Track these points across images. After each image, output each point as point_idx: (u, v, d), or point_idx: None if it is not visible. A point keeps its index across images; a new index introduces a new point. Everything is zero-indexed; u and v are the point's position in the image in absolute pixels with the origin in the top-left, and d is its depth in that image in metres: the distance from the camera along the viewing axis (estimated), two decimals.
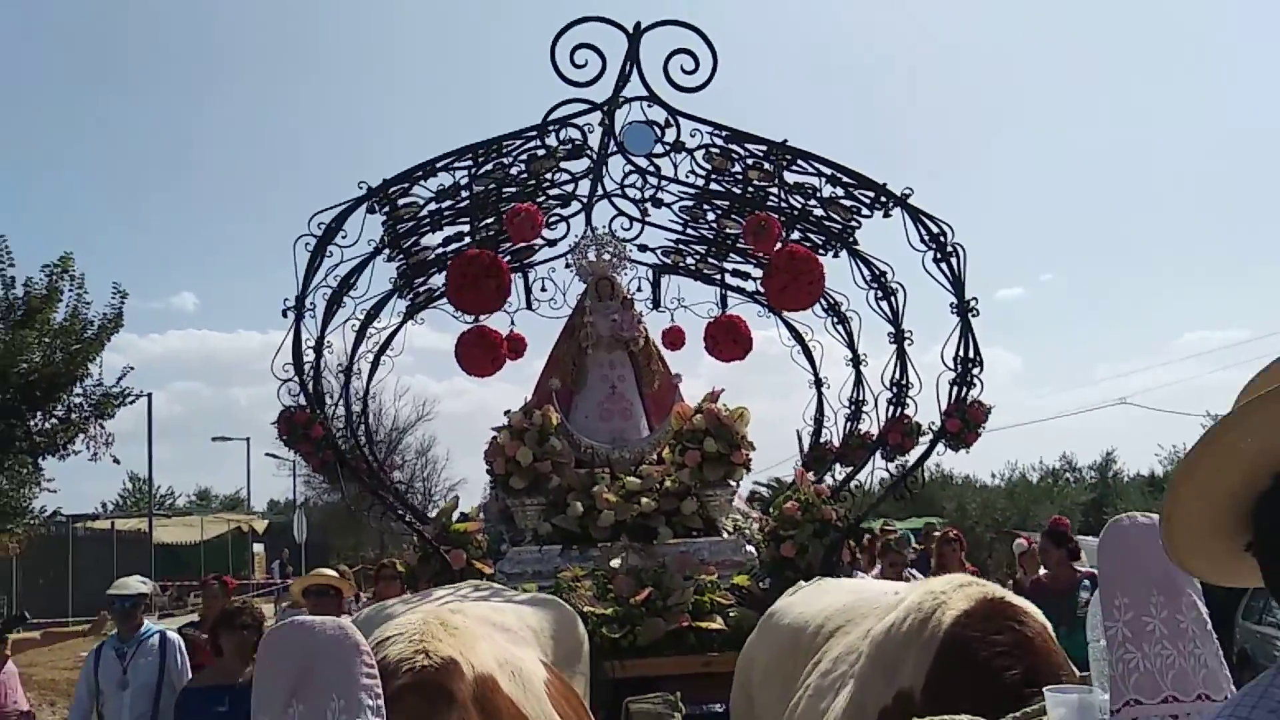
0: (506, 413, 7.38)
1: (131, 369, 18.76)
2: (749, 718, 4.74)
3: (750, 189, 7.41)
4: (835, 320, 8.51)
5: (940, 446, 6.75)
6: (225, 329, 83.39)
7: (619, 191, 8.09)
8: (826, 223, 7.41)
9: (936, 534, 11.36)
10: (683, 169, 7.32)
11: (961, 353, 6.67)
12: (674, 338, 9.17)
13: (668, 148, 7.08)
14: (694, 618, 6.32)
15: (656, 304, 9.18)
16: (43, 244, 77.79)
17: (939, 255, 6.65)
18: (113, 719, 6.63)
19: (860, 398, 8.54)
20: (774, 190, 7.21)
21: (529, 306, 8.93)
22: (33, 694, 8.47)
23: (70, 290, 17.52)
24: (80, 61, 79.25)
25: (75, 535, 26.98)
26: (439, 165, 6.68)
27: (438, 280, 8.07)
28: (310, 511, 31.92)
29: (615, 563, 6.66)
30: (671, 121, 6.87)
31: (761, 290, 8.34)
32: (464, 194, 7.01)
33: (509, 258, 8.52)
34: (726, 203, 7.83)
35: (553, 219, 8.38)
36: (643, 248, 8.85)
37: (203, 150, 78.27)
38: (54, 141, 77.69)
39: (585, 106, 6.83)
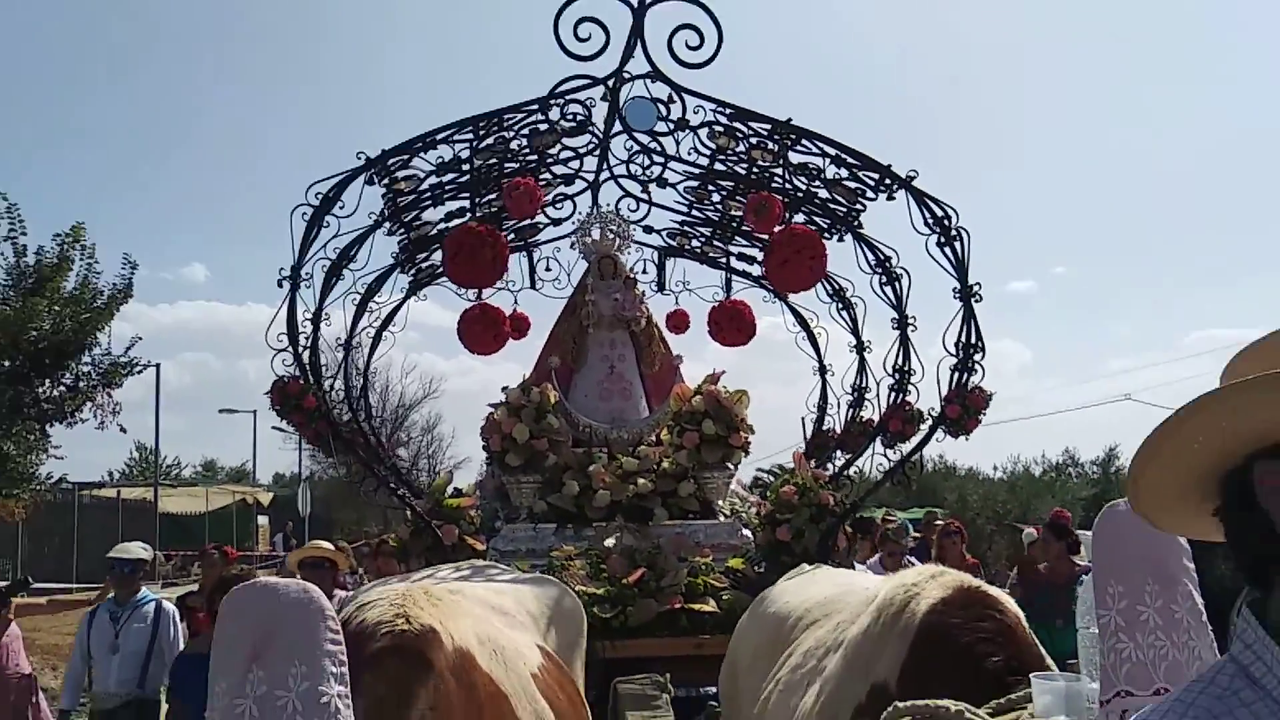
0: (504, 389, 7.32)
1: (140, 339, 18.96)
2: (735, 702, 4.68)
3: (755, 169, 7.31)
4: (839, 306, 8.42)
5: (940, 434, 6.67)
6: (235, 301, 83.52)
7: (624, 172, 8.00)
8: (831, 205, 7.31)
9: (938, 524, 11.30)
10: (687, 148, 7.24)
11: (963, 338, 6.58)
12: (678, 321, 9.09)
13: (671, 125, 6.98)
14: (687, 600, 6.27)
15: (661, 286, 9.10)
16: (55, 213, 77.78)
17: (943, 239, 6.56)
18: (100, 683, 6.62)
19: (863, 384, 8.46)
20: (778, 171, 7.11)
21: (533, 286, 8.86)
22: (35, 658, 8.49)
23: (81, 259, 17.70)
24: (92, 31, 79.20)
25: (81, 503, 27.09)
26: (439, 137, 6.59)
27: (440, 256, 7.99)
28: (315, 485, 32.00)
29: (609, 543, 6.61)
30: (675, 98, 6.77)
31: (765, 268, 8.24)
32: (465, 168, 6.93)
33: (513, 236, 8.45)
34: (731, 184, 7.74)
35: (558, 198, 8.31)
36: (648, 229, 8.78)
37: (217, 121, 78.19)
38: (67, 111, 77.75)
39: (588, 81, 6.73)
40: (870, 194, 7.01)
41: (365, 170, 6.46)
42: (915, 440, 6.90)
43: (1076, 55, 76.13)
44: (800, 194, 7.21)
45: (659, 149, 7.44)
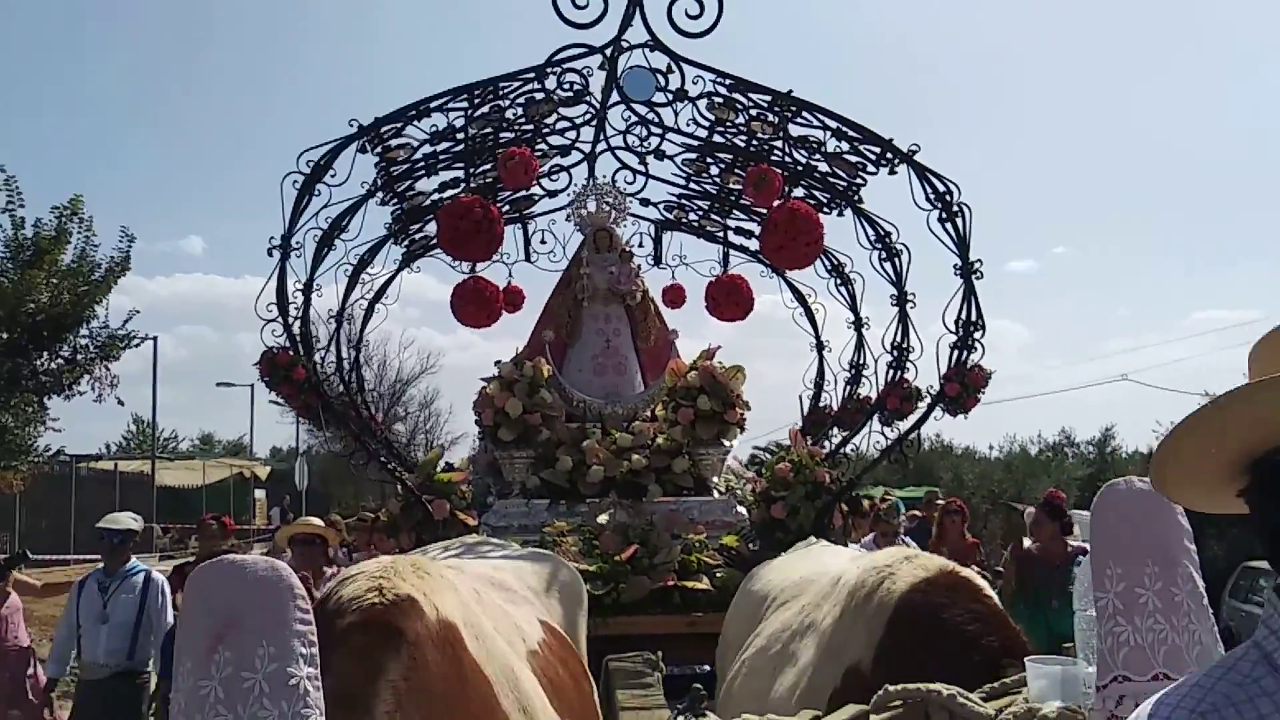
0: (497, 363, 7.24)
1: (138, 312, 18.98)
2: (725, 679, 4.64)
3: (754, 142, 7.20)
4: (838, 281, 8.33)
5: (938, 412, 6.59)
6: (232, 274, 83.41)
7: (621, 144, 7.88)
8: (831, 179, 7.21)
9: (939, 503, 11.25)
10: (685, 119, 7.13)
11: (963, 316, 6.49)
12: (675, 296, 9.00)
13: (670, 96, 6.87)
14: (680, 577, 6.21)
15: (658, 260, 9.00)
16: (52, 184, 77.39)
17: (944, 214, 6.46)
18: (89, 652, 6.56)
19: (861, 361, 8.38)
20: (778, 144, 6.99)
21: (528, 259, 8.75)
22: (33, 629, 8.45)
23: (79, 232, 17.68)
24: (88, 2, 78.65)
25: (78, 475, 27.11)
26: (433, 105, 6.47)
27: (434, 227, 7.88)
28: (312, 460, 32.02)
29: (603, 519, 6.54)
30: (674, 68, 6.65)
31: (760, 246, 8.15)
32: (459, 137, 6.82)
33: (507, 207, 8.35)
34: (730, 156, 7.63)
35: (554, 170, 8.20)
36: (645, 202, 8.66)
37: (215, 94, 77.92)
38: (65, 82, 77.36)
39: (586, 50, 6.61)
40: (871, 168, 6.90)
41: (358, 138, 6.34)
42: (914, 418, 6.83)
43: (1079, 34, 75.75)
44: (800, 167, 7.10)
45: (657, 120, 7.33)
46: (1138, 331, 67.41)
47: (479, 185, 7.34)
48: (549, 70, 6.63)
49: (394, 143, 6.70)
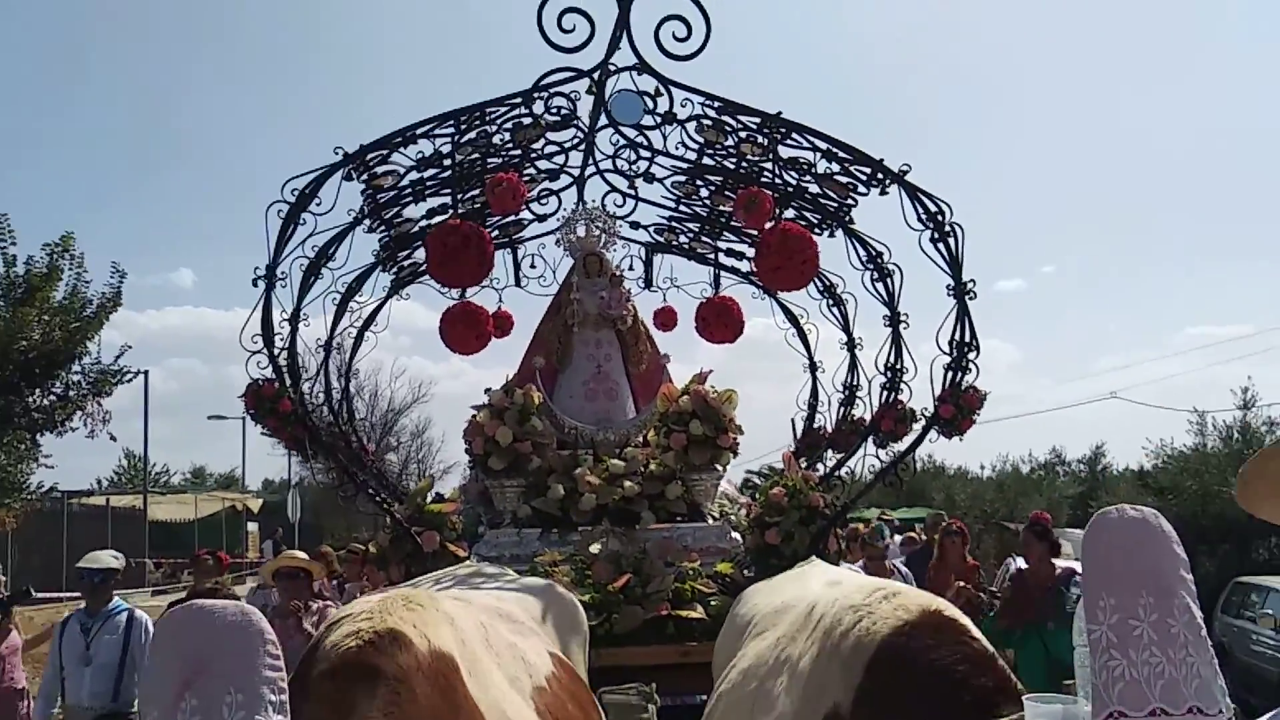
0: (487, 391, 7.17)
1: (129, 347, 19.13)
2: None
3: (744, 164, 7.16)
4: (831, 302, 8.27)
5: (933, 434, 6.52)
6: (222, 306, 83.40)
7: (611, 167, 7.84)
8: (822, 200, 7.17)
9: (943, 525, 11.15)
10: (675, 142, 7.10)
11: (957, 336, 6.43)
12: (666, 318, 8.95)
13: (659, 119, 6.84)
14: (674, 606, 6.12)
15: (649, 283, 8.95)
16: (42, 219, 77.74)
17: (936, 235, 6.41)
18: (73, 695, 6.44)
19: (855, 382, 8.32)
20: (768, 165, 6.95)
21: (518, 283, 8.70)
22: (26, 668, 8.34)
23: (70, 269, 17.83)
24: (78, 37, 79.00)
25: (70, 511, 26.94)
26: (419, 132, 6.43)
27: (423, 254, 7.83)
28: (305, 491, 31.87)
29: (595, 548, 6.45)
30: (662, 91, 6.62)
31: (755, 270, 8.10)
32: (446, 163, 6.77)
33: (496, 232, 8.29)
34: (720, 178, 7.59)
35: (543, 194, 8.16)
36: (635, 225, 8.61)
37: (204, 126, 78.18)
38: (53, 117, 77.60)
39: (573, 74, 6.58)
40: (862, 189, 6.87)
41: (343, 166, 6.30)
42: (908, 441, 6.76)
43: (1064, 54, 76.17)
44: (790, 189, 7.06)
45: (646, 143, 7.29)
46: (1128, 349, 67.58)
47: (467, 211, 7.29)
48: (536, 95, 6.61)
49: (380, 170, 6.66)
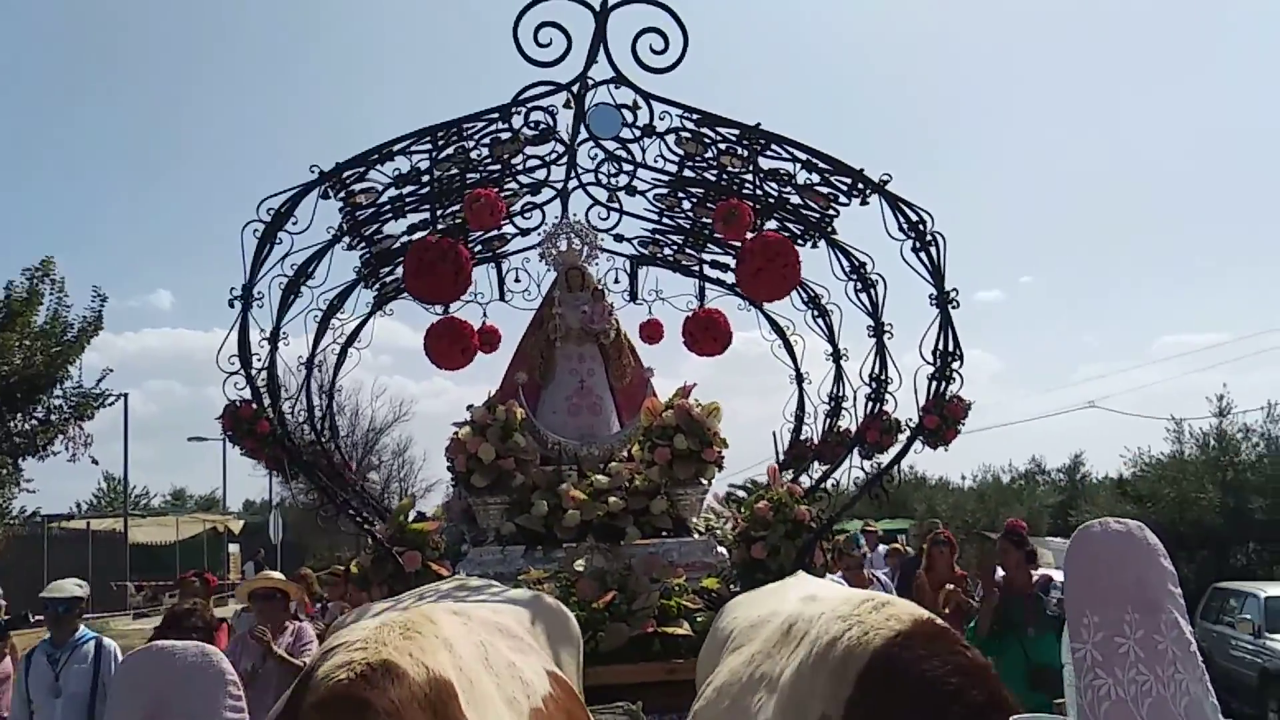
0: (469, 407, 7.11)
1: (111, 371, 19.18)
2: None
3: (724, 176, 7.12)
4: (815, 313, 8.24)
5: (918, 444, 6.47)
6: (201, 327, 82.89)
7: (593, 180, 7.80)
8: (804, 211, 7.13)
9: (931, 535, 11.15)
10: (655, 155, 7.05)
11: (941, 346, 6.40)
12: (652, 331, 8.90)
13: (638, 132, 6.79)
14: (660, 623, 6.05)
15: (634, 296, 8.90)
16: (19, 241, 77.02)
17: (918, 244, 6.38)
18: None
19: (840, 393, 8.28)
20: (749, 177, 6.91)
21: (502, 298, 8.65)
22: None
23: (51, 294, 17.80)
24: (54, 59, 78.82)
25: (50, 535, 26.69)
26: (395, 149, 6.37)
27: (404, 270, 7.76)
28: (286, 512, 31.70)
29: (579, 565, 6.38)
30: (640, 104, 6.58)
31: (737, 278, 8.05)
32: (425, 180, 6.72)
33: (479, 247, 8.24)
34: (701, 191, 7.55)
35: (526, 208, 8.11)
36: (619, 238, 8.56)
37: (180, 148, 78.03)
38: (30, 138, 77.30)
39: (551, 88, 6.53)
40: (843, 199, 6.84)
41: (319, 184, 6.23)
42: (894, 451, 6.72)
43: (1040, 68, 76.57)
44: (772, 200, 7.02)
45: (627, 156, 7.25)
46: (1106, 358, 67.74)
47: (448, 227, 7.23)
48: (514, 109, 6.55)
49: (357, 187, 6.60)
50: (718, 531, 7.21)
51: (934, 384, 6.43)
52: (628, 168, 7.43)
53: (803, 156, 6.64)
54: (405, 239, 7.49)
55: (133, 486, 44.77)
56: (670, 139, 6.81)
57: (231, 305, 6.05)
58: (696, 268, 8.84)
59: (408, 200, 7.05)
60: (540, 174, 7.60)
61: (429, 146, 6.46)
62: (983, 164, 74.16)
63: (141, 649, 2.08)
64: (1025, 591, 7.24)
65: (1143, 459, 22.85)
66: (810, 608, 3.61)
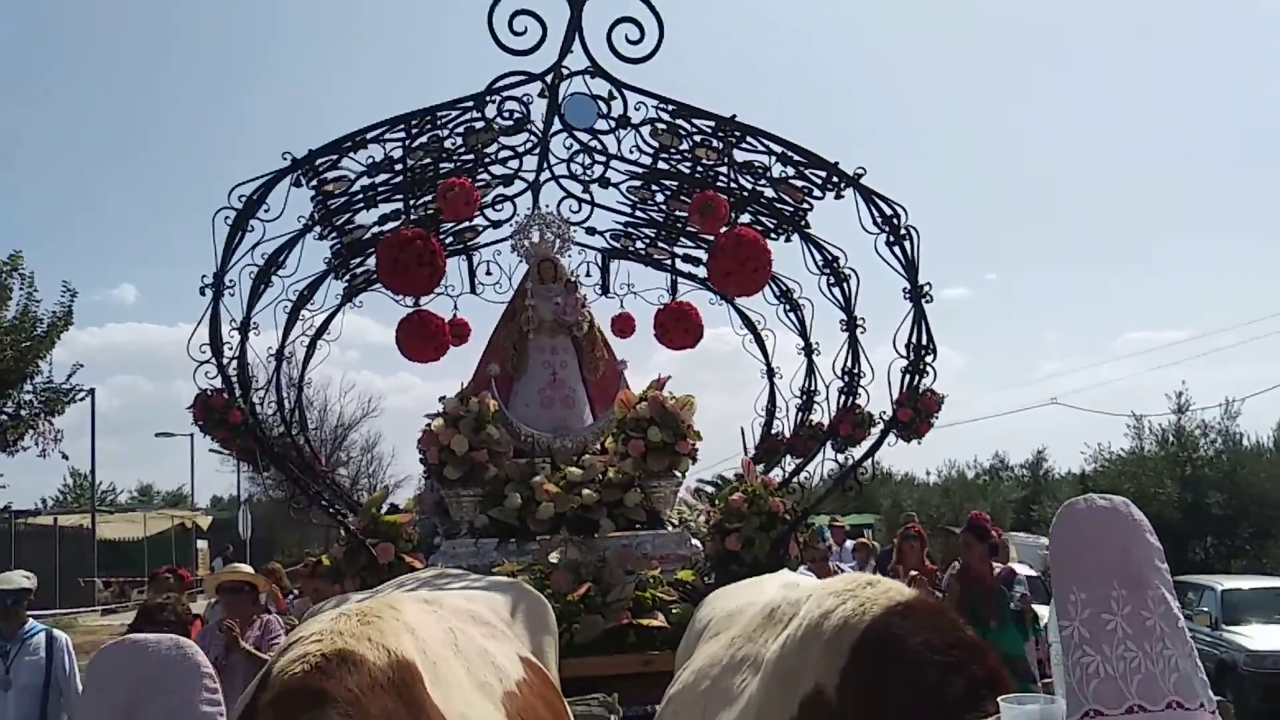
0: (442, 399, 7.06)
1: (81, 366, 19.06)
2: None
3: (699, 168, 7.11)
4: (787, 308, 8.25)
5: (891, 438, 6.50)
6: (166, 322, 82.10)
7: (565, 172, 7.77)
8: (778, 205, 7.14)
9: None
10: (629, 147, 7.04)
11: (914, 340, 6.42)
12: (623, 325, 8.87)
13: (613, 123, 6.77)
14: (635, 615, 6.03)
15: (605, 289, 8.88)
16: None
17: (892, 238, 6.40)
18: None
19: (812, 387, 8.29)
20: (723, 170, 6.91)
21: (473, 290, 8.60)
22: None
23: (20, 289, 17.58)
24: (13, 50, 77.69)
25: (17, 531, 26.38)
26: (369, 136, 6.31)
27: (375, 261, 7.69)
28: (255, 507, 31.49)
29: (553, 557, 6.35)
30: (616, 94, 6.56)
31: (708, 274, 8.05)
32: (398, 169, 6.66)
33: (450, 239, 8.19)
34: (675, 183, 7.54)
35: (498, 199, 8.06)
36: (591, 230, 8.54)
37: (144, 141, 77.12)
38: None
39: (525, 78, 6.50)
40: (817, 192, 6.85)
41: (291, 171, 6.17)
42: (867, 445, 6.74)
43: (1001, 64, 77.20)
44: (746, 193, 7.02)
45: (601, 147, 7.23)
46: (1069, 355, 68.38)
47: (420, 217, 7.18)
48: (488, 99, 6.51)
49: (330, 175, 6.53)
50: (692, 524, 7.20)
51: (907, 377, 6.46)
52: (601, 159, 7.41)
53: (778, 149, 6.64)
54: (376, 229, 7.44)
55: (99, 482, 44.25)
56: (645, 130, 6.79)
57: (203, 293, 5.99)
58: (668, 261, 8.83)
59: (380, 190, 6.99)
60: (513, 165, 7.57)
61: (402, 134, 6.41)
62: (948, 161, 74.70)
63: (115, 642, 2.03)
64: (988, 584, 7.30)
65: (1103, 455, 23.17)
66: (794, 593, 3.61)
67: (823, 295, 7.18)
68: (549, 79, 6.51)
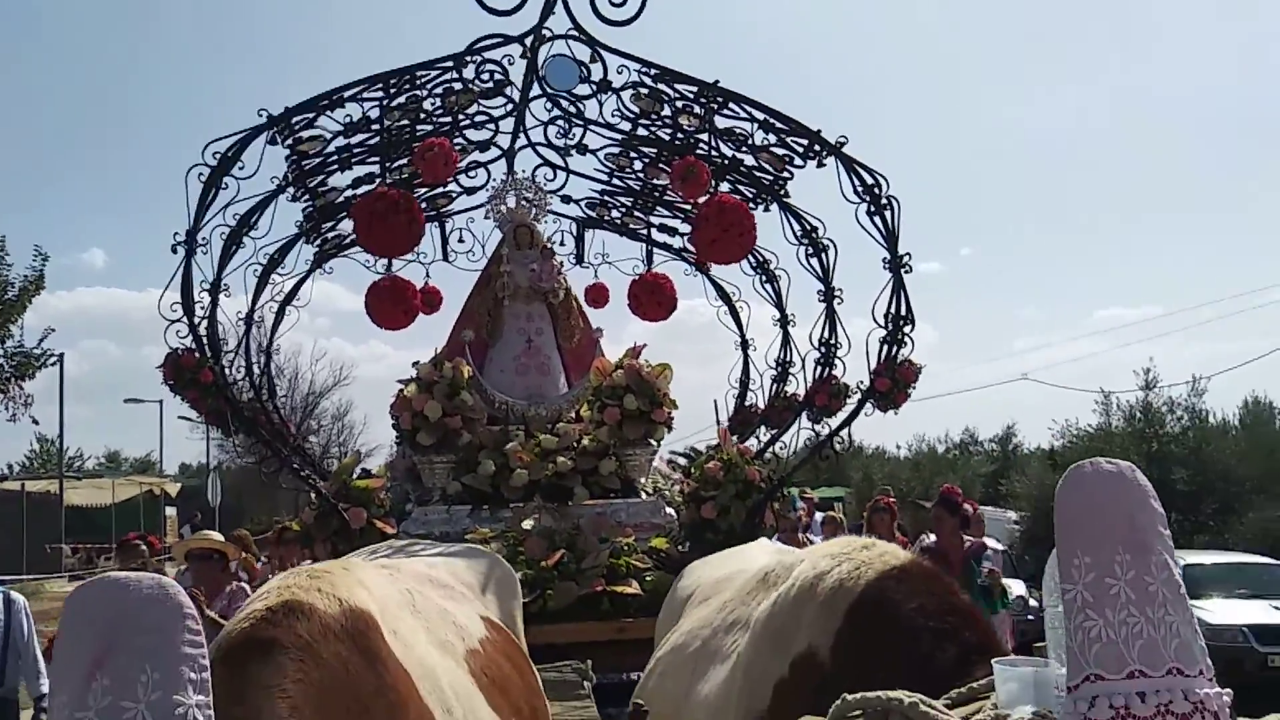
0: (415, 364, 6.98)
1: (53, 330, 18.84)
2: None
3: (680, 135, 7.04)
4: (764, 279, 8.22)
5: (868, 408, 6.49)
6: (136, 287, 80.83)
7: (542, 138, 7.66)
8: (758, 174, 7.09)
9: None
10: (612, 110, 6.95)
11: (893, 310, 6.41)
12: (597, 295, 8.82)
13: (594, 87, 6.69)
14: (609, 582, 6.02)
15: (580, 259, 8.81)
16: None
17: (873, 208, 6.37)
18: None
19: (787, 359, 8.28)
20: (704, 137, 6.85)
21: (445, 258, 8.50)
22: None
23: None
24: None
25: None
26: (346, 95, 6.21)
27: (348, 225, 7.57)
28: (224, 475, 31.18)
29: (527, 524, 6.31)
30: (597, 57, 6.47)
31: (689, 246, 8.00)
32: (374, 129, 6.55)
33: (424, 205, 8.07)
34: (654, 150, 7.47)
35: (472, 166, 7.96)
36: (566, 199, 8.45)
37: (115, 104, 75.78)
38: None
39: (505, 39, 6.40)
40: (798, 160, 6.81)
41: (267, 129, 6.07)
42: (844, 414, 6.73)
43: (979, 36, 77.34)
44: (726, 161, 6.97)
45: (579, 113, 7.14)
46: (1043, 330, 68.74)
47: (395, 181, 7.07)
48: (468, 59, 6.41)
49: (306, 134, 6.42)
50: (666, 492, 7.18)
51: (885, 348, 6.45)
52: (579, 125, 7.32)
53: (760, 116, 6.60)
54: (350, 193, 7.33)
55: (67, 448, 43.70)
56: (626, 95, 6.72)
57: (174, 250, 5.90)
58: (644, 231, 8.78)
59: (355, 151, 6.88)
60: (489, 129, 7.46)
61: (380, 94, 6.31)
62: (923, 136, 74.69)
63: (93, 579, 1.93)
64: (957, 558, 7.31)
65: (1071, 430, 23.33)
66: (788, 557, 3.59)
67: (801, 265, 7.16)
68: (529, 41, 6.42)
